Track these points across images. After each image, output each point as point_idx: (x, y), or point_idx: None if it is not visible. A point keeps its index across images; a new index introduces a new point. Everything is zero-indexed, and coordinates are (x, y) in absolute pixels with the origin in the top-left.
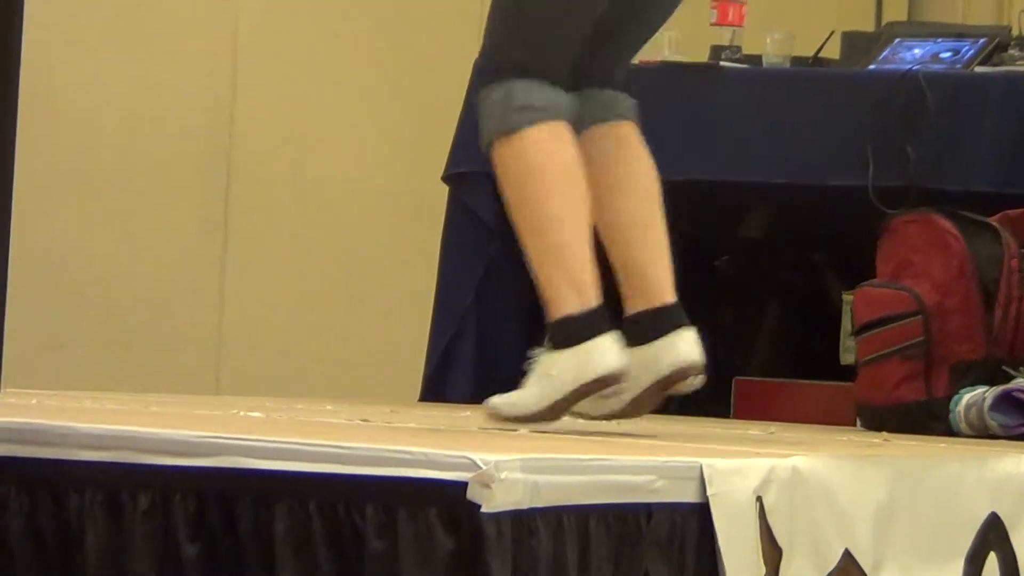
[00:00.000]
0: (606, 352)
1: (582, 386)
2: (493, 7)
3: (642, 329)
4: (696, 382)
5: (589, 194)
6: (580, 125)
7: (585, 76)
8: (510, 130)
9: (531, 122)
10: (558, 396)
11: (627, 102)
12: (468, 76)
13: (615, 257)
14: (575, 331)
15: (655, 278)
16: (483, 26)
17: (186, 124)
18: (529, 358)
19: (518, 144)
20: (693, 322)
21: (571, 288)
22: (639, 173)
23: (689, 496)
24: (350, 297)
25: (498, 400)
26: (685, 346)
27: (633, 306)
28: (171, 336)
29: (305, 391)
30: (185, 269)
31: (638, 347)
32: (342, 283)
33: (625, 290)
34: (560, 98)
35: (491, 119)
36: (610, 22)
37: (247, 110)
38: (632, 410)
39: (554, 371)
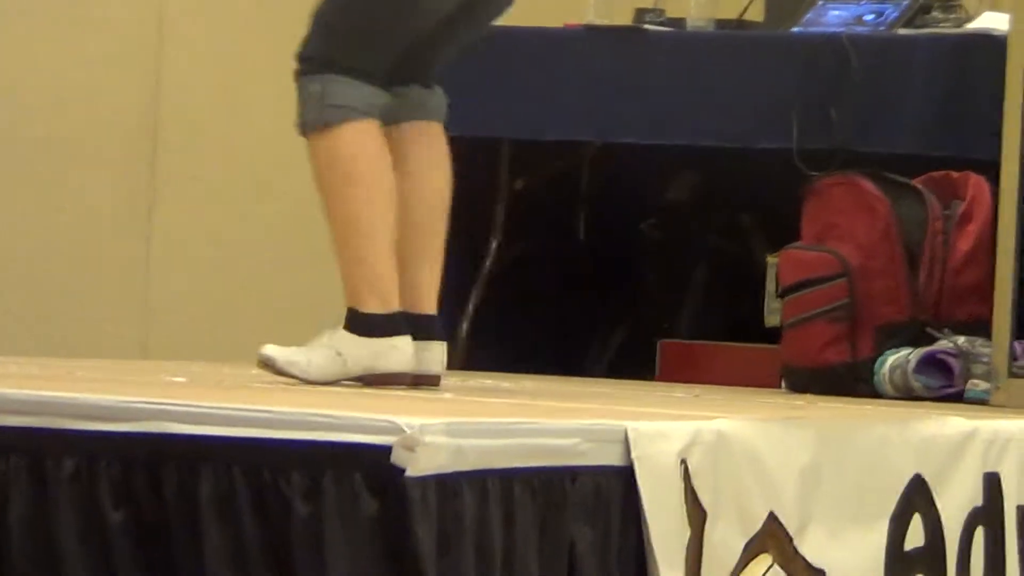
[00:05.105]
0: (403, 352)
1: (371, 376)
2: (326, 6)
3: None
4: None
5: (394, 195)
6: (389, 119)
7: (401, 73)
8: (324, 125)
9: (343, 120)
10: (343, 376)
11: (439, 100)
12: None
13: (395, 253)
14: (374, 327)
15: (424, 287)
16: None
17: (112, 92)
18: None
19: (330, 141)
20: (618, 283)
21: (373, 293)
22: (435, 181)
23: (613, 459)
24: (276, 262)
25: (278, 355)
26: (431, 356)
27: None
28: (97, 304)
29: (233, 357)
30: (110, 237)
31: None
32: (268, 249)
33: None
34: (376, 97)
35: (308, 111)
36: (442, 27)
37: (174, 78)
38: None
39: (347, 354)
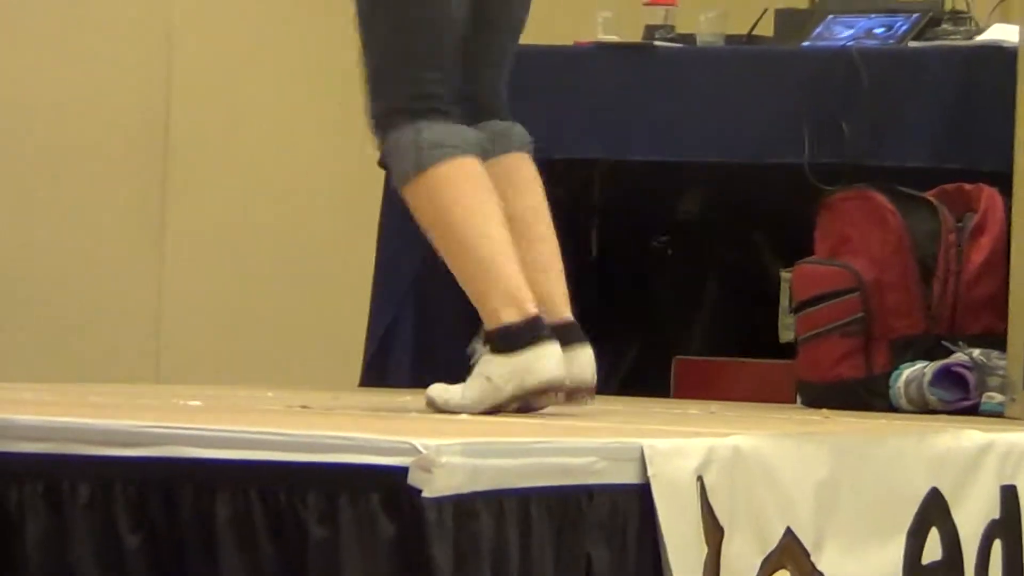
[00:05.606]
0: (548, 359)
1: (524, 392)
2: (369, 55)
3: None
4: (584, 401)
5: (503, 211)
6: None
7: (476, 110)
8: (424, 168)
9: (444, 158)
10: (499, 400)
11: (519, 131)
12: None
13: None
14: (515, 339)
15: (554, 295)
16: None
17: (122, 105)
18: (470, 351)
19: (433, 180)
20: (631, 300)
21: (506, 300)
22: (527, 200)
23: (630, 477)
24: (290, 280)
25: (437, 394)
26: (581, 362)
27: None
28: (110, 322)
29: (246, 376)
30: (123, 254)
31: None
32: (282, 266)
33: None
34: (468, 133)
35: (405, 160)
36: (473, 45)
37: (183, 89)
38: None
39: (495, 376)
